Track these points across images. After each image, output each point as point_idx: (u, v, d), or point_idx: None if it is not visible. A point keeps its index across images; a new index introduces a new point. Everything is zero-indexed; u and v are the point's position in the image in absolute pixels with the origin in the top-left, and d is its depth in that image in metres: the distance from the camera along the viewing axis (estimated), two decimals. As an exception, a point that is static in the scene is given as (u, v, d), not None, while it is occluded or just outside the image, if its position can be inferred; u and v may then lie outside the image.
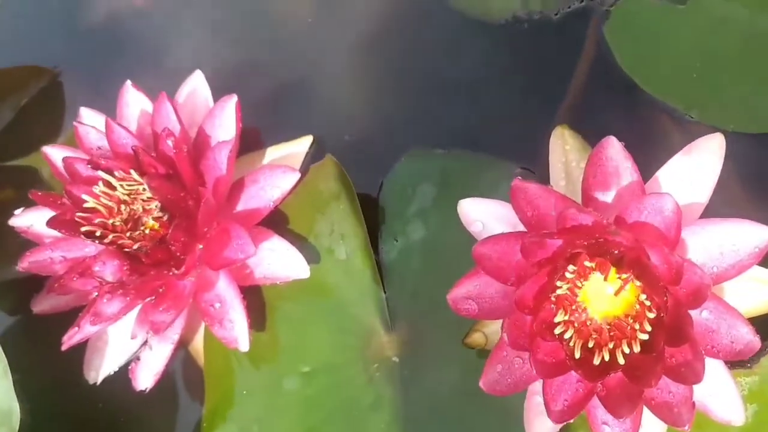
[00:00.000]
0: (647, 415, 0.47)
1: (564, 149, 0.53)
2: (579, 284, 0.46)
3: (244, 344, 0.57)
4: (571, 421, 0.47)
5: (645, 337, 0.44)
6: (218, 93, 0.62)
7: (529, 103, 0.63)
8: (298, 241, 0.61)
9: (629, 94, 0.60)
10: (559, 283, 0.45)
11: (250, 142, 0.66)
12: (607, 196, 0.48)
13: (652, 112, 0.59)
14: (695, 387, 0.45)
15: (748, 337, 0.43)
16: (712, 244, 0.45)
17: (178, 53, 0.75)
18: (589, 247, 0.44)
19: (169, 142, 0.56)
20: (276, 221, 0.62)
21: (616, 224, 0.45)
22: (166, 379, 0.60)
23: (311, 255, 0.60)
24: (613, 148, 0.46)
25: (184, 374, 0.63)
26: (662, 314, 0.44)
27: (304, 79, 0.70)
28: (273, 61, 0.72)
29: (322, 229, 0.61)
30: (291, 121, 0.68)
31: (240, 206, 0.60)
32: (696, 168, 0.47)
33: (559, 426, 0.49)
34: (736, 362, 0.51)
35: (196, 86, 0.64)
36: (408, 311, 0.59)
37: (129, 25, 0.76)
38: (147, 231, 0.57)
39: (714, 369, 0.46)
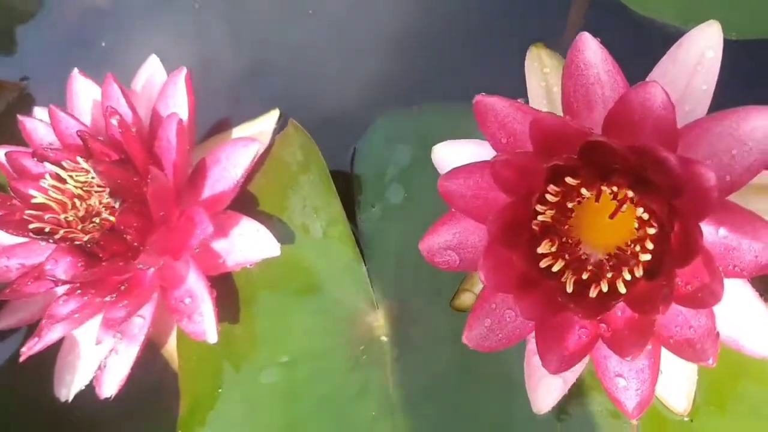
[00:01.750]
0: (667, 360, 0.40)
1: (542, 72, 0.46)
2: (567, 212, 0.39)
3: (212, 335, 0.51)
4: (572, 371, 0.40)
5: (647, 257, 0.36)
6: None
7: (515, 44, 0.57)
8: (270, 221, 0.55)
9: (623, 19, 0.54)
10: (539, 208, 0.38)
11: (221, 129, 0.61)
12: (594, 111, 0.40)
13: (649, 34, 0.52)
14: (722, 321, 0.37)
15: (775, 245, 0.35)
16: (720, 144, 0.37)
17: (146, 53, 0.71)
18: (570, 160, 0.37)
19: (114, 121, 0.52)
20: (246, 204, 0.56)
21: (604, 131, 0.38)
22: (141, 388, 0.55)
23: (285, 235, 0.55)
24: (590, 50, 0.39)
25: (161, 381, 0.57)
26: (666, 228, 0.36)
27: (267, 57, 0.65)
28: (235, 44, 0.67)
29: (294, 206, 0.55)
30: (259, 101, 0.62)
31: (206, 192, 0.55)
32: (692, 62, 0.40)
33: (567, 387, 0.42)
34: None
35: (153, 72, 0.59)
36: (393, 284, 0.53)
37: (94, 29, 0.72)
38: (99, 222, 0.52)
39: (740, 295, 0.38)
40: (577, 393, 0.45)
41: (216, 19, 0.69)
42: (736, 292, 0.38)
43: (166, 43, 0.70)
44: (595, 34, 0.51)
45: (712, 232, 0.37)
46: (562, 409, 0.45)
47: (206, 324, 0.52)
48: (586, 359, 0.41)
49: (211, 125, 0.62)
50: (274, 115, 0.58)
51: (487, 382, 0.48)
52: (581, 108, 0.41)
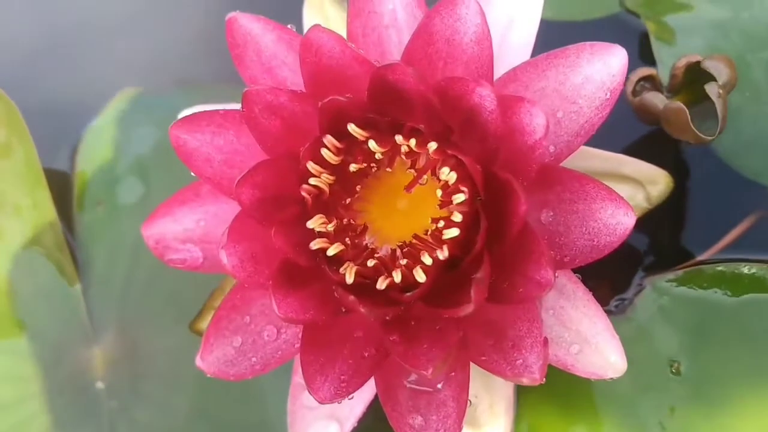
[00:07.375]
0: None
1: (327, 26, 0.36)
2: (350, 185, 0.29)
3: None
4: (352, 411, 0.29)
5: (455, 233, 0.26)
6: None
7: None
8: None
9: None
10: (312, 167, 0.27)
11: None
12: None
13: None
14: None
15: (613, 220, 0.26)
16: (542, 106, 0.29)
17: None
18: (355, 104, 0.27)
19: None
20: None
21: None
22: None
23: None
24: (382, -25, 0.30)
25: None
26: (479, 196, 0.27)
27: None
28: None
29: (-10, 203, 0.40)
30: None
31: None
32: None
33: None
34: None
35: None
36: (121, 308, 0.39)
37: None
38: None
39: (571, 297, 0.29)
40: None
41: None
42: (566, 294, 0.29)
43: None
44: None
45: (534, 217, 0.28)
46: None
47: None
48: (368, 396, 0.30)
49: None
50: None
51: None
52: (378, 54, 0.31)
